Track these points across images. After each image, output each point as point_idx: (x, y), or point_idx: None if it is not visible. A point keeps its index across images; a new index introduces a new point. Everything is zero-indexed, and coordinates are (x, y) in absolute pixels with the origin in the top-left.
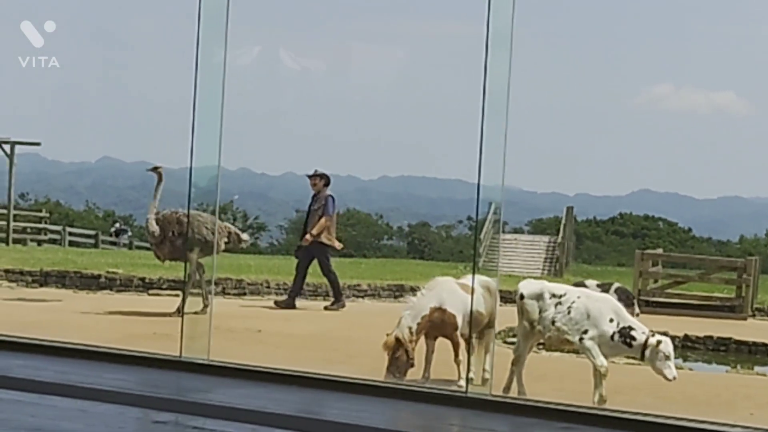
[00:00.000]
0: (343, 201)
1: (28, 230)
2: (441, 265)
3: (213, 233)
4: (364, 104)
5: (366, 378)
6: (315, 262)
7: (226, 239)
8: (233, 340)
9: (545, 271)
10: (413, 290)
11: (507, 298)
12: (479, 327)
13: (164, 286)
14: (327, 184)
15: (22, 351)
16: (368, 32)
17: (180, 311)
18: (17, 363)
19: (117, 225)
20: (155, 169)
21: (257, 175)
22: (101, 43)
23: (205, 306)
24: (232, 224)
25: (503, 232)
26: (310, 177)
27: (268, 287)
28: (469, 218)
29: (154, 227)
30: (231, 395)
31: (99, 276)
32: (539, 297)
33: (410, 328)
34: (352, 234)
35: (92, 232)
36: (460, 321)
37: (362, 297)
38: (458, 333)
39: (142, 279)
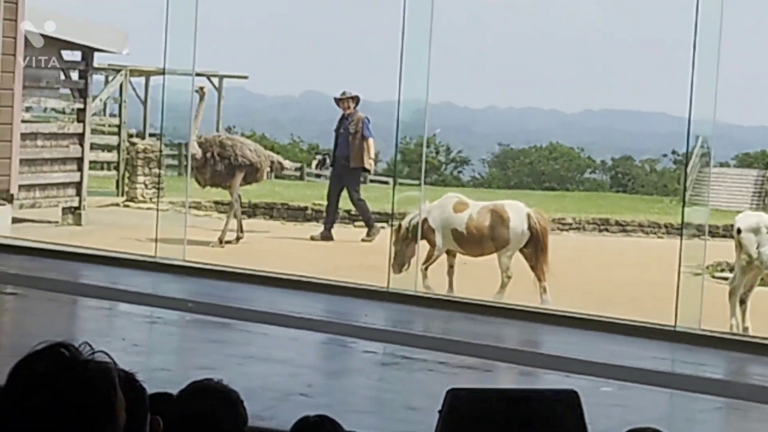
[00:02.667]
0: (546, 135)
1: None
2: (645, 199)
3: (258, 156)
4: (569, 38)
5: (577, 311)
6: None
7: (268, 168)
8: (440, 272)
9: (753, 206)
10: (618, 224)
11: (713, 232)
12: (473, 245)
13: None
14: (357, 105)
15: (235, 281)
16: None
17: (221, 241)
18: (230, 293)
19: (319, 157)
20: (200, 89)
21: (460, 109)
22: None
23: (239, 238)
24: (434, 158)
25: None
26: (340, 100)
27: None
28: (674, 152)
29: (195, 149)
30: (437, 327)
31: (305, 208)
32: (757, 231)
33: (407, 229)
34: (555, 168)
35: (297, 165)
36: (438, 237)
37: (567, 230)
38: (435, 248)
39: (348, 211)
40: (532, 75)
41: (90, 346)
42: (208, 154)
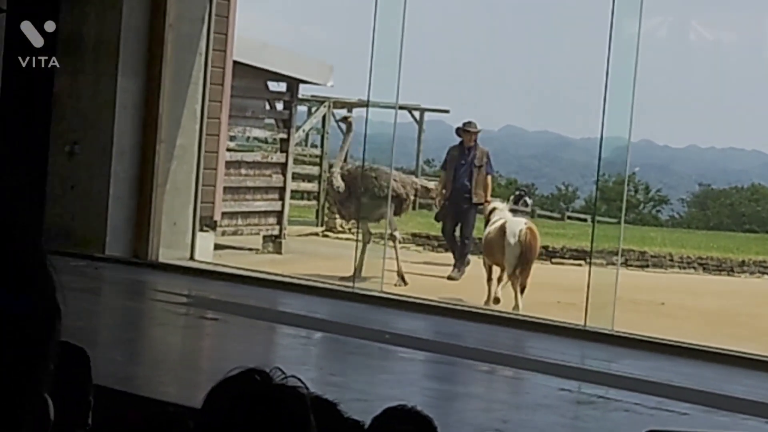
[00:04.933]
0: (747, 176)
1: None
2: None
3: (403, 187)
4: None
5: None
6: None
7: (413, 196)
8: (637, 311)
9: None
10: None
11: None
12: (489, 256)
13: (567, 255)
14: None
15: (431, 313)
16: None
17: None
18: (421, 324)
19: (517, 192)
20: (345, 119)
21: (660, 147)
22: (513, 13)
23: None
24: (633, 196)
25: None
26: (465, 130)
27: (671, 260)
28: None
29: (339, 182)
30: (636, 366)
31: None
32: None
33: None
34: (757, 210)
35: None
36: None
37: None
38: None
39: (545, 247)
40: (735, 114)
41: (282, 371)
42: (354, 188)
